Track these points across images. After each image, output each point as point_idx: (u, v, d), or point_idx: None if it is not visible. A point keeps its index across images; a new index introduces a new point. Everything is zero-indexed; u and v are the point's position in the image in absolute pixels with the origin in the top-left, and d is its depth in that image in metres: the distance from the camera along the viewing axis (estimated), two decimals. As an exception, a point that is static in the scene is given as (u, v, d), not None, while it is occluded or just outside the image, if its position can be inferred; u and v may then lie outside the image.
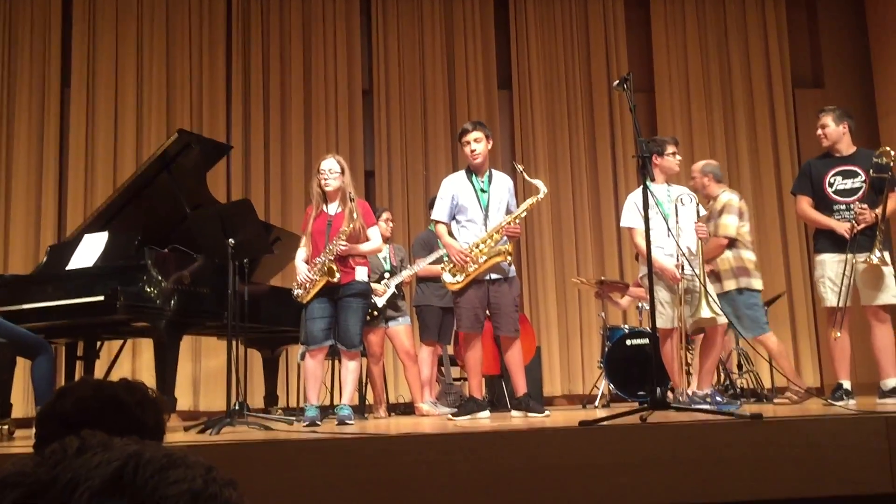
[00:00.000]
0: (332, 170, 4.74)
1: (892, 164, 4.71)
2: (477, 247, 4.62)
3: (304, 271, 4.69)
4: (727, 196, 5.32)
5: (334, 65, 8.53)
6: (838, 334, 4.76)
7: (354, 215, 4.64)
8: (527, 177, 4.81)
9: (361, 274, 4.72)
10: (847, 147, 4.95)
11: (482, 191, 4.76)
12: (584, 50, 8.93)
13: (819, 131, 5.03)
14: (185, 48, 8.32)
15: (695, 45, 9.04)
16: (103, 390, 1.27)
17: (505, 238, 4.68)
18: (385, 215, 6.05)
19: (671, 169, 5.03)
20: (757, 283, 5.27)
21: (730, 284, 5.24)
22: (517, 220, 4.72)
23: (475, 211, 4.72)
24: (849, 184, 4.85)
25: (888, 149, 4.75)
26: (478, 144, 4.75)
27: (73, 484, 0.58)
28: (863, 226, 4.70)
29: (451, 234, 4.81)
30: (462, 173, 4.87)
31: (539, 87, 8.76)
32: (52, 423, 1.25)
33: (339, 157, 4.90)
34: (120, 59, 8.21)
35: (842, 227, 4.76)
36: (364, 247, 4.79)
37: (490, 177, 4.82)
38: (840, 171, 4.89)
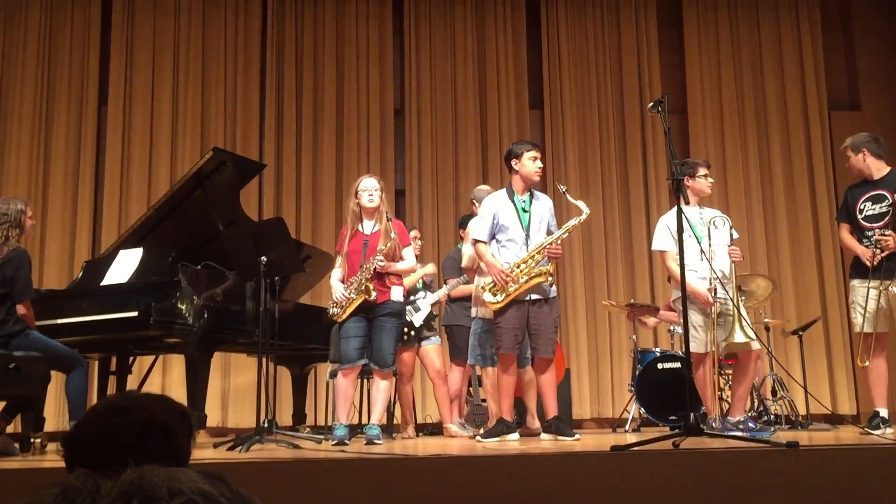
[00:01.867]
0: (375, 187, 4.78)
1: None
2: (518, 267, 4.61)
3: (340, 289, 4.71)
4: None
5: (367, 84, 8.59)
6: (867, 363, 4.69)
7: (392, 234, 4.66)
8: (569, 197, 4.79)
9: (397, 294, 4.72)
10: (878, 171, 4.89)
11: (524, 210, 4.76)
12: (616, 70, 8.91)
13: (847, 162, 5.06)
14: (220, 67, 8.43)
15: (728, 67, 8.98)
16: (157, 418, 1.23)
17: (546, 259, 4.65)
18: (413, 233, 6.06)
19: (702, 191, 5.00)
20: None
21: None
22: (559, 241, 4.70)
23: (516, 230, 4.71)
24: (877, 209, 4.80)
25: None
26: (542, 163, 4.82)
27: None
28: (886, 252, 4.62)
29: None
30: (503, 192, 4.86)
31: (571, 108, 8.75)
32: (85, 450, 1.22)
33: (377, 176, 4.93)
34: (156, 78, 8.34)
35: (865, 255, 4.70)
36: (400, 265, 4.80)
37: (531, 196, 4.82)
38: (870, 196, 4.84)
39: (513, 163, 4.84)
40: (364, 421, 6.55)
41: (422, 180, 8.49)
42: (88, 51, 8.33)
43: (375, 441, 4.56)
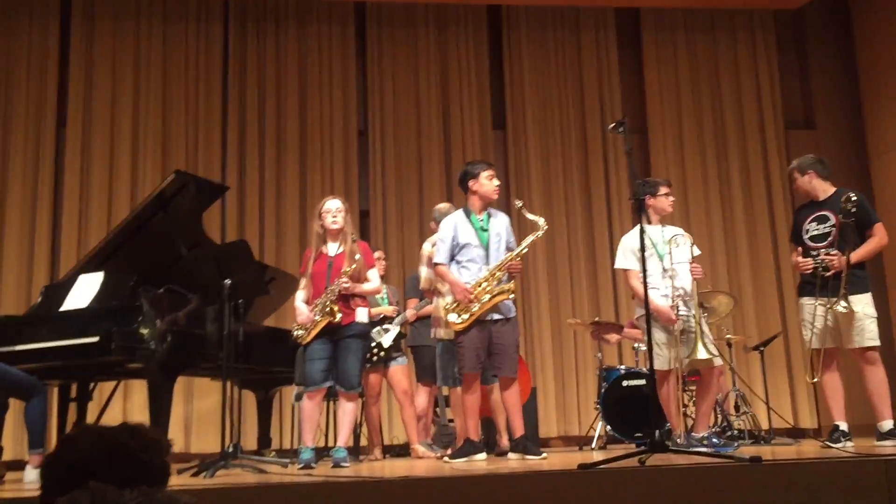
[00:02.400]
0: (339, 209, 4.78)
1: (854, 209, 4.70)
2: (479, 285, 4.62)
3: (304, 311, 4.68)
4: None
5: (330, 105, 8.60)
6: (815, 379, 4.77)
7: (357, 256, 4.66)
8: (526, 213, 4.83)
9: (362, 315, 4.71)
10: (823, 192, 4.99)
11: (482, 229, 4.78)
12: (577, 91, 9.02)
13: (796, 183, 5.14)
14: (182, 89, 8.38)
15: (687, 87, 9.14)
16: (106, 437, 1.26)
17: (507, 276, 4.68)
18: (377, 254, 6.05)
19: (664, 210, 5.07)
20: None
21: None
22: (519, 257, 4.73)
23: (476, 250, 4.73)
24: (821, 229, 4.89)
25: (851, 194, 4.74)
26: (497, 181, 4.84)
27: None
28: (832, 271, 4.70)
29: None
30: (461, 213, 4.88)
31: (533, 128, 8.83)
32: (59, 471, 1.23)
33: (341, 197, 4.93)
34: (116, 99, 8.26)
35: (804, 270, 4.81)
36: (366, 286, 4.80)
37: (489, 215, 4.85)
38: (815, 217, 4.93)
39: (470, 183, 4.85)
40: (331, 444, 6.50)
41: (386, 201, 8.50)
42: (46, 73, 8.23)
43: (342, 464, 4.53)
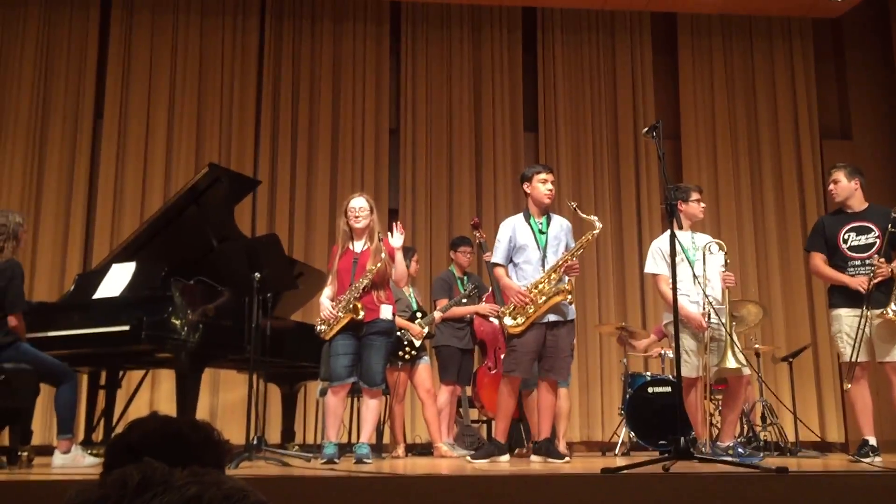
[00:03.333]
0: (362, 208, 4.78)
1: None
2: (536, 287, 4.59)
3: (328, 307, 4.70)
4: None
5: (362, 103, 8.63)
6: (848, 386, 4.69)
7: (382, 254, 4.66)
8: (581, 213, 4.77)
9: (386, 312, 4.72)
10: (859, 203, 4.94)
11: (541, 232, 4.75)
12: (610, 95, 8.98)
13: (831, 187, 5.04)
14: (217, 83, 8.47)
15: (722, 94, 9.07)
16: (169, 426, 1.31)
17: (565, 277, 4.64)
18: (415, 256, 6.11)
19: (695, 216, 5.03)
20: None
21: None
22: (574, 257, 4.69)
23: (533, 252, 4.70)
24: (862, 240, 4.82)
25: None
26: (553, 185, 4.81)
27: None
28: (879, 279, 4.65)
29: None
30: (520, 216, 4.86)
31: (565, 131, 8.81)
32: (120, 452, 1.28)
33: (367, 195, 4.93)
34: (152, 93, 8.37)
35: (856, 282, 4.71)
36: (402, 269, 4.82)
37: (549, 219, 4.83)
38: (854, 227, 4.87)
39: (525, 186, 4.85)
40: (354, 440, 6.53)
41: (416, 200, 8.52)
42: (85, 64, 8.36)
43: (365, 460, 4.54)
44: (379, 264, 4.63)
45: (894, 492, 2.92)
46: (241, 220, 6.95)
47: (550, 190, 4.79)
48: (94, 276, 5.26)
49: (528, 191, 4.82)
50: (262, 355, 4.73)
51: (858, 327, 4.65)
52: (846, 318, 4.77)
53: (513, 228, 4.78)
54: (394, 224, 4.80)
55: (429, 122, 8.70)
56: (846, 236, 4.88)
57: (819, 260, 4.98)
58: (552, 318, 4.60)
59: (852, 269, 4.81)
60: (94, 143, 8.32)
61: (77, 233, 8.05)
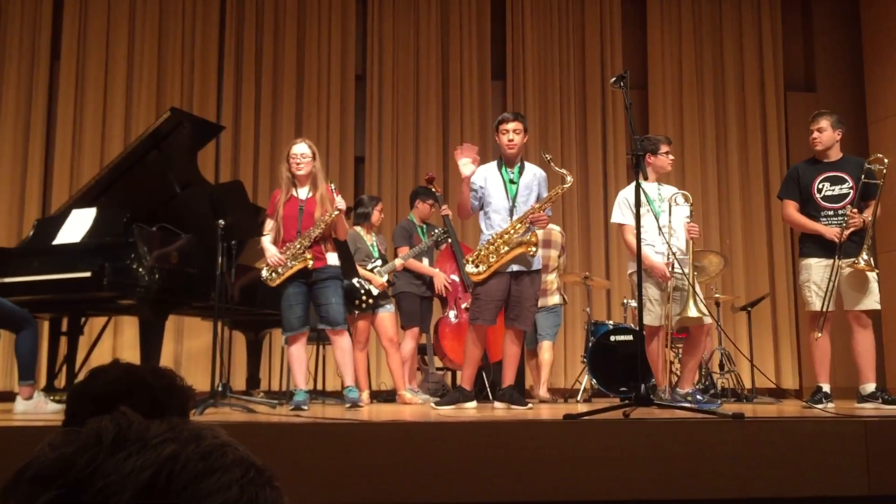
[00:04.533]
0: (303, 154, 4.71)
1: (884, 170, 4.75)
2: (501, 237, 4.59)
3: (275, 253, 4.64)
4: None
5: (328, 49, 8.49)
6: (819, 335, 4.78)
7: (339, 203, 4.61)
8: (554, 166, 4.75)
9: (333, 259, 4.71)
10: (836, 153, 4.98)
11: (511, 182, 4.73)
12: (578, 43, 8.92)
13: (815, 134, 5.01)
14: (178, 25, 8.26)
15: (689, 44, 9.06)
16: (132, 374, 1.31)
17: (532, 228, 4.64)
18: (380, 205, 6.08)
19: (663, 168, 5.05)
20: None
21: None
22: (542, 209, 4.68)
23: (501, 201, 4.68)
24: (836, 190, 4.88)
25: (881, 156, 4.79)
26: (516, 135, 4.71)
27: (104, 494, 0.57)
28: (851, 230, 4.73)
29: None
30: (493, 164, 4.83)
31: (533, 79, 8.76)
32: (83, 401, 1.29)
33: (309, 141, 4.84)
34: (111, 34, 8.14)
35: (831, 232, 4.78)
36: (345, 226, 4.80)
37: (521, 168, 4.80)
38: (828, 177, 4.91)
39: (495, 135, 4.83)
40: (320, 387, 6.57)
41: (382, 148, 8.45)
42: (41, 4, 8.09)
43: (359, 404, 4.54)
44: (331, 216, 4.57)
45: (844, 436, 3.02)
46: (205, 167, 6.84)
47: (511, 140, 4.70)
48: (53, 222, 5.17)
49: (497, 140, 4.80)
50: (227, 303, 4.71)
51: (830, 277, 4.72)
52: (816, 269, 4.83)
53: (484, 178, 4.76)
54: (332, 190, 4.71)
55: (395, 68, 8.59)
56: (820, 186, 4.91)
57: (792, 208, 5.01)
58: (516, 267, 4.60)
59: (825, 220, 4.85)
60: (52, 85, 8.10)
61: (35, 177, 7.88)
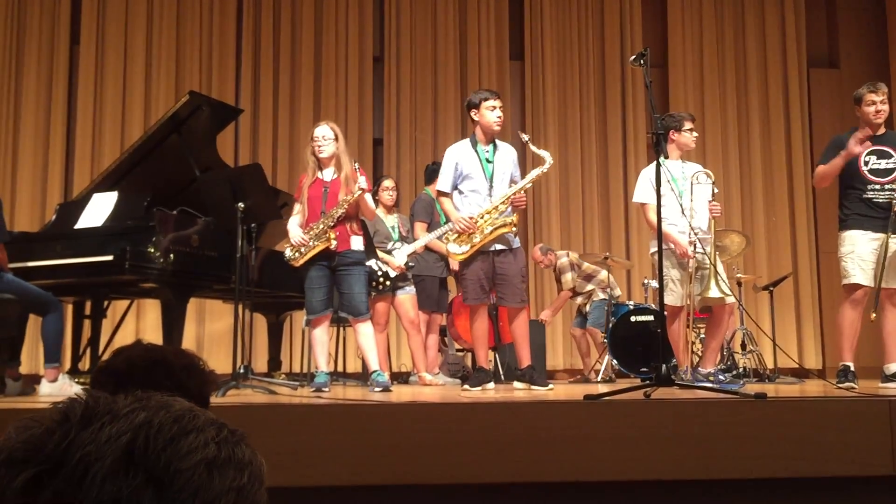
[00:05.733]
0: (325, 136, 4.69)
1: None
2: (482, 217, 4.58)
3: (299, 233, 4.63)
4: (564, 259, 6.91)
5: (346, 30, 8.47)
6: (874, 315, 4.60)
7: (362, 184, 4.58)
8: (533, 147, 4.74)
9: (357, 243, 4.67)
10: (881, 127, 4.82)
11: (487, 161, 4.70)
12: (598, 22, 8.84)
13: (882, 106, 4.73)
14: (196, 8, 8.26)
15: (710, 21, 8.95)
16: (153, 352, 1.33)
17: (510, 209, 4.65)
18: (387, 182, 6.00)
19: (687, 145, 4.97)
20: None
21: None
22: (523, 191, 4.68)
23: (480, 181, 4.66)
24: (882, 164, 4.70)
25: None
26: (502, 112, 4.71)
27: (84, 464, 0.56)
28: None
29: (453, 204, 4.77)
30: (466, 142, 4.80)
31: (551, 59, 8.70)
32: (104, 376, 1.31)
33: (332, 123, 4.82)
34: (130, 18, 8.16)
35: (853, 152, 4.54)
36: (370, 207, 4.78)
37: (495, 147, 4.78)
38: (875, 151, 4.74)
39: (472, 113, 4.74)
40: (340, 369, 6.60)
41: (400, 129, 8.43)
42: (60, -11, 8.12)
43: (389, 388, 4.50)
44: (353, 196, 4.56)
45: (868, 416, 2.99)
46: (224, 150, 6.86)
47: (500, 117, 4.68)
48: (75, 206, 5.21)
49: (476, 118, 4.71)
50: (248, 285, 4.73)
51: (881, 253, 4.53)
52: (862, 241, 4.63)
53: (458, 156, 4.72)
54: (357, 170, 4.69)
55: (413, 50, 8.56)
56: (867, 159, 4.73)
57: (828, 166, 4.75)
58: (498, 246, 4.61)
59: (871, 193, 4.64)
60: (72, 70, 8.14)
61: (57, 162, 7.94)
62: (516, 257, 4.69)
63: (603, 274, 6.96)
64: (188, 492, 0.57)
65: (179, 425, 0.60)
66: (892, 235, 4.56)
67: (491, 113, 4.67)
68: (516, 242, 4.72)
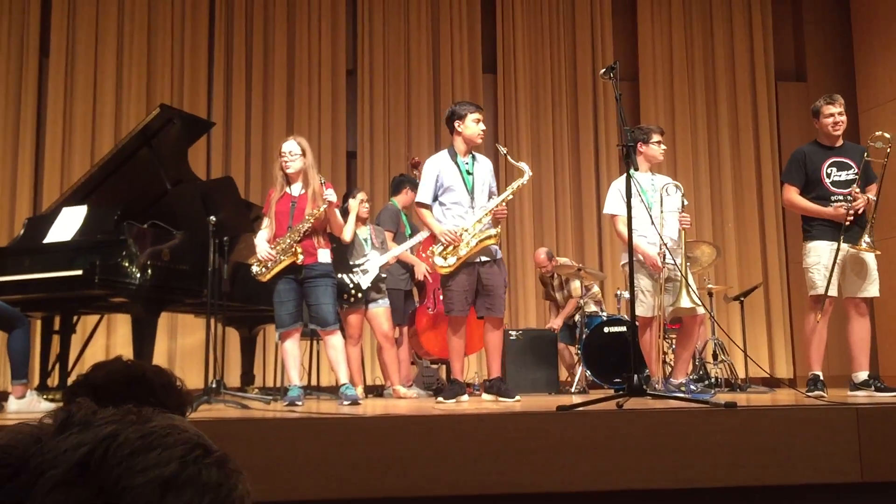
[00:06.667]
0: (292, 152, 4.69)
1: (888, 149, 4.67)
2: (465, 230, 4.60)
3: (266, 248, 4.62)
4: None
5: (318, 43, 8.47)
6: (819, 317, 4.69)
7: (330, 198, 4.57)
8: (511, 159, 4.78)
9: (324, 256, 4.67)
10: (839, 139, 4.91)
11: (468, 172, 4.73)
12: (569, 36, 8.92)
13: (837, 118, 4.81)
14: (168, 21, 8.22)
15: (680, 35, 9.07)
16: (133, 368, 1.33)
17: (491, 221, 4.67)
18: (360, 196, 6.00)
19: (655, 158, 5.04)
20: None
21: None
22: (504, 203, 4.70)
23: (461, 193, 4.68)
24: (843, 175, 4.78)
25: (884, 133, 4.70)
26: (483, 126, 4.76)
27: (39, 470, 0.56)
28: (855, 211, 4.63)
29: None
30: (445, 154, 4.82)
31: (524, 72, 8.75)
32: (83, 390, 1.31)
33: (300, 138, 4.81)
34: (100, 30, 8.10)
35: (838, 213, 4.65)
36: (338, 220, 4.78)
37: (474, 159, 4.81)
38: (835, 163, 4.81)
39: (456, 124, 4.77)
40: (314, 383, 6.56)
41: (373, 142, 8.44)
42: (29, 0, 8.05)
43: (358, 401, 4.51)
44: (320, 210, 4.55)
45: (836, 424, 3.03)
46: (196, 163, 6.83)
47: (483, 130, 4.76)
48: (44, 220, 5.15)
49: (460, 129, 4.75)
50: (220, 299, 4.70)
51: (834, 261, 4.65)
52: (828, 252, 4.69)
53: (439, 168, 4.74)
54: (323, 184, 4.70)
55: (386, 63, 8.58)
56: (828, 171, 4.80)
57: (795, 192, 4.85)
58: (483, 258, 4.65)
59: (834, 205, 4.71)
60: (41, 82, 8.06)
61: (25, 175, 7.85)
62: (500, 268, 4.72)
63: (595, 288, 7.06)
64: None
65: (145, 441, 0.58)
66: (848, 243, 4.64)
67: (475, 126, 4.72)
68: (499, 254, 4.76)
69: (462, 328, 4.73)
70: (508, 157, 4.77)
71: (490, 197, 4.76)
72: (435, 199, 4.74)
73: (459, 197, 4.68)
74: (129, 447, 0.58)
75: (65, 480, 0.55)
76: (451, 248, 4.58)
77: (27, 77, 7.96)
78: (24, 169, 7.85)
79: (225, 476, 0.61)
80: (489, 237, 4.58)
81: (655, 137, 5.01)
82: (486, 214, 4.62)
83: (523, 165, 4.75)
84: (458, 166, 4.72)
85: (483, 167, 4.80)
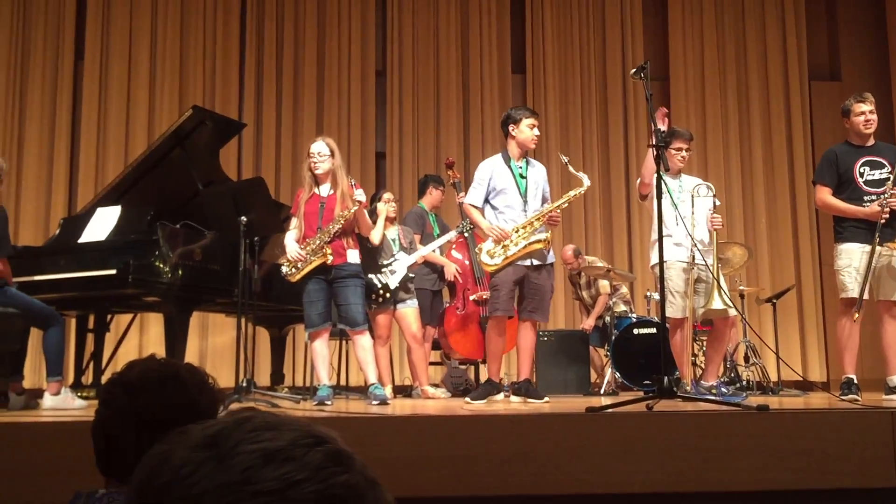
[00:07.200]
0: (321, 153, 4.70)
1: None
2: (516, 231, 4.59)
3: (295, 248, 4.64)
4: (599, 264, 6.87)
5: (348, 44, 8.51)
6: (857, 316, 4.59)
7: (360, 198, 4.59)
8: (571, 168, 4.75)
9: (353, 257, 4.68)
10: (871, 138, 4.82)
11: (521, 176, 4.72)
12: (599, 35, 8.88)
13: (869, 116, 4.74)
14: (200, 24, 8.31)
15: (711, 34, 8.98)
16: (167, 367, 1.36)
17: (544, 226, 4.63)
18: (386, 196, 6.00)
19: (673, 164, 4.94)
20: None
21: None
22: (558, 209, 4.68)
23: (514, 196, 4.67)
24: (876, 174, 4.69)
25: None
26: (537, 131, 4.77)
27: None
28: (890, 209, 4.53)
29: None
30: (499, 158, 4.81)
31: (553, 72, 8.73)
32: (117, 387, 1.35)
33: (328, 139, 4.82)
34: (134, 34, 8.22)
35: (874, 212, 4.54)
36: (363, 224, 4.80)
37: (528, 163, 4.81)
38: (868, 162, 4.72)
39: (510, 128, 4.77)
40: (343, 382, 6.59)
41: (402, 143, 8.46)
42: (65, 4, 8.18)
43: (387, 401, 4.51)
44: (350, 211, 4.56)
45: (871, 428, 2.98)
46: (227, 164, 6.89)
47: (537, 135, 4.77)
48: (79, 221, 5.23)
49: (514, 133, 4.76)
50: (250, 299, 4.74)
51: (869, 264, 4.54)
52: (858, 254, 4.61)
53: (492, 171, 4.74)
54: (352, 185, 4.72)
55: (416, 63, 8.60)
56: (861, 170, 4.72)
57: (827, 193, 4.76)
58: (534, 262, 4.62)
59: (868, 204, 4.63)
60: (76, 85, 8.19)
61: (61, 177, 7.98)
62: (549, 274, 4.71)
63: (623, 288, 7.05)
64: (238, 468, 0.60)
65: (269, 424, 0.65)
66: (886, 245, 4.54)
67: (530, 130, 4.73)
68: (551, 258, 4.73)
69: (503, 328, 4.71)
70: (570, 166, 4.76)
71: (544, 202, 4.75)
72: (486, 202, 4.75)
73: (512, 200, 4.67)
74: (254, 425, 0.64)
75: (196, 444, 0.62)
76: (499, 246, 4.57)
77: (62, 80, 8.09)
78: (60, 170, 7.98)
79: (334, 461, 0.65)
80: (538, 241, 4.54)
81: (676, 143, 4.91)
82: (538, 218, 4.59)
83: (583, 175, 4.72)
84: (512, 170, 4.72)
85: (537, 172, 4.80)
